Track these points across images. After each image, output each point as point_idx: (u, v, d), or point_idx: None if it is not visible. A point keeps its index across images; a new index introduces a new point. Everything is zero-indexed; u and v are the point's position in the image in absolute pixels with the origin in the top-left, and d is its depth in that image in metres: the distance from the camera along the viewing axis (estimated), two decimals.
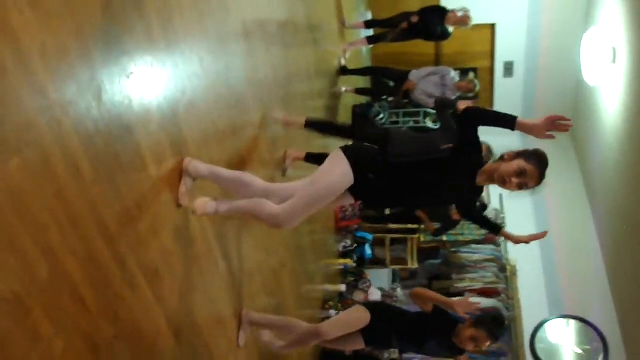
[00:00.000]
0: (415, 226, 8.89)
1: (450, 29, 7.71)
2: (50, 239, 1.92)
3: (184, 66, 3.01)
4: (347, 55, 8.50)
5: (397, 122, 10.54)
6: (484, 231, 8.95)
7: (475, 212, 4.10)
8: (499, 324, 3.85)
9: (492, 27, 11.51)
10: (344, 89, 8.33)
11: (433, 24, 7.72)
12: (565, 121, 2.80)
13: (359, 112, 9.44)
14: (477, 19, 7.88)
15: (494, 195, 10.73)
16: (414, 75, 7.42)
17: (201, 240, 3.21)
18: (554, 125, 2.81)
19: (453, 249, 9.23)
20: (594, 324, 8.61)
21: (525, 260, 9.19)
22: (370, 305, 4.19)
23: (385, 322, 4.10)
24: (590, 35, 9.61)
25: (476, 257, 9.10)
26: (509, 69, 11.73)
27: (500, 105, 11.67)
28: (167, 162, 2.81)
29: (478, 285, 8.74)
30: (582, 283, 9.37)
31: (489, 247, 9.21)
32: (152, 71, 2.63)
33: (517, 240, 4.02)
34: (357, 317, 4.08)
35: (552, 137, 2.84)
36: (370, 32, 9.45)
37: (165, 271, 2.72)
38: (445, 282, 8.92)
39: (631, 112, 7.92)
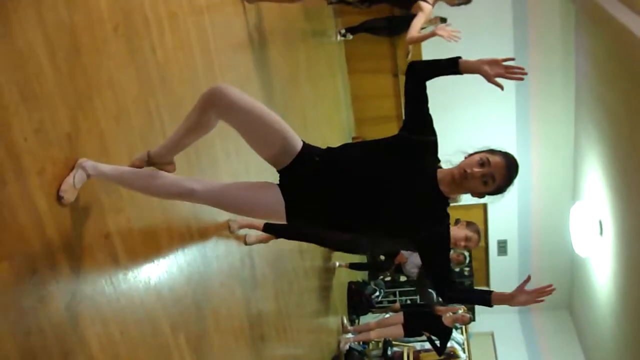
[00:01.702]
0: None
1: None
2: None
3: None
4: None
5: (394, 301, 10.55)
6: None
7: (455, 280, 2.80)
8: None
9: (484, 207, 11.79)
10: (337, 263, 8.45)
11: None
12: (518, 69, 2.41)
13: (355, 289, 9.53)
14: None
15: None
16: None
17: None
18: (503, 67, 2.43)
19: None
20: None
21: None
22: None
23: None
24: (577, 209, 9.88)
25: None
26: (502, 247, 11.87)
27: (496, 283, 11.69)
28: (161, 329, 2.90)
29: None
30: None
31: None
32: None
33: (512, 297, 2.60)
34: None
35: (500, 85, 2.45)
36: None
37: None
38: None
39: (621, 282, 8.00)
